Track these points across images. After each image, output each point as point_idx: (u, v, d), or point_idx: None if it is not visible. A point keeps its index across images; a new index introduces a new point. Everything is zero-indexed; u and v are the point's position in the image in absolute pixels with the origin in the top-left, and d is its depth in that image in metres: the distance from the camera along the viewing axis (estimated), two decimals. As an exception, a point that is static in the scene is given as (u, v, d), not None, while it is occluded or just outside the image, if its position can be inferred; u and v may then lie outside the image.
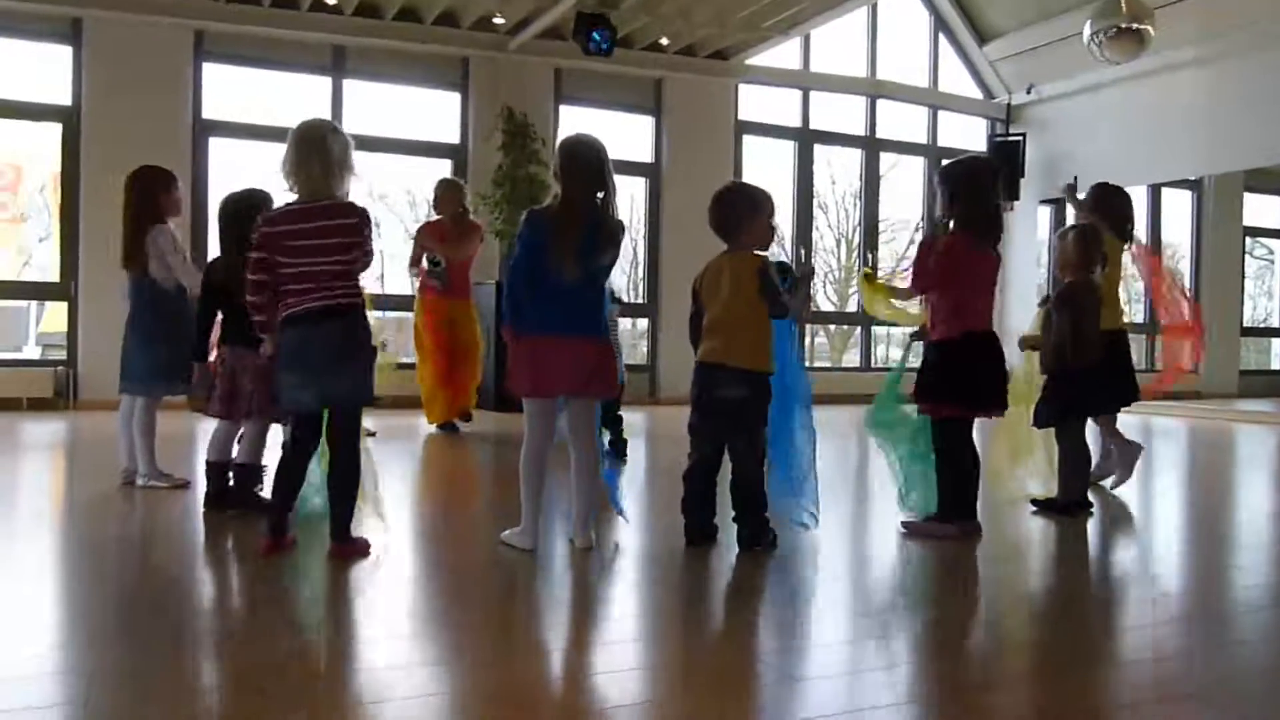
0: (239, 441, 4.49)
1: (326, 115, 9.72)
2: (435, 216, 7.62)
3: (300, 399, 3.57)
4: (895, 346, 13.65)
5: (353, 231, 3.52)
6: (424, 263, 7.27)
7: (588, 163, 3.72)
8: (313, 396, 3.56)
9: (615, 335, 6.28)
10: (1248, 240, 15.13)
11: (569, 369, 3.68)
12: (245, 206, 4.32)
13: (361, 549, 3.64)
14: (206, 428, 4.76)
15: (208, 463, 4.50)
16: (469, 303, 7.67)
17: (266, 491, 4.26)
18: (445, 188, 7.68)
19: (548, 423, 3.78)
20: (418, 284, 7.54)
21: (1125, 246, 5.52)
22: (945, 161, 4.55)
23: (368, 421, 3.88)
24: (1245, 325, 15.12)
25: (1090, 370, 4.80)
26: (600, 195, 3.72)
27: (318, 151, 3.51)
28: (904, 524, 4.30)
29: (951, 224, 4.27)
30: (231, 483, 4.44)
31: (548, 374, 3.69)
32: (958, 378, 4.14)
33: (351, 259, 3.53)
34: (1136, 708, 2.45)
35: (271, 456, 4.30)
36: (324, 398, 3.58)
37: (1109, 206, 5.48)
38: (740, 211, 3.95)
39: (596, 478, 3.85)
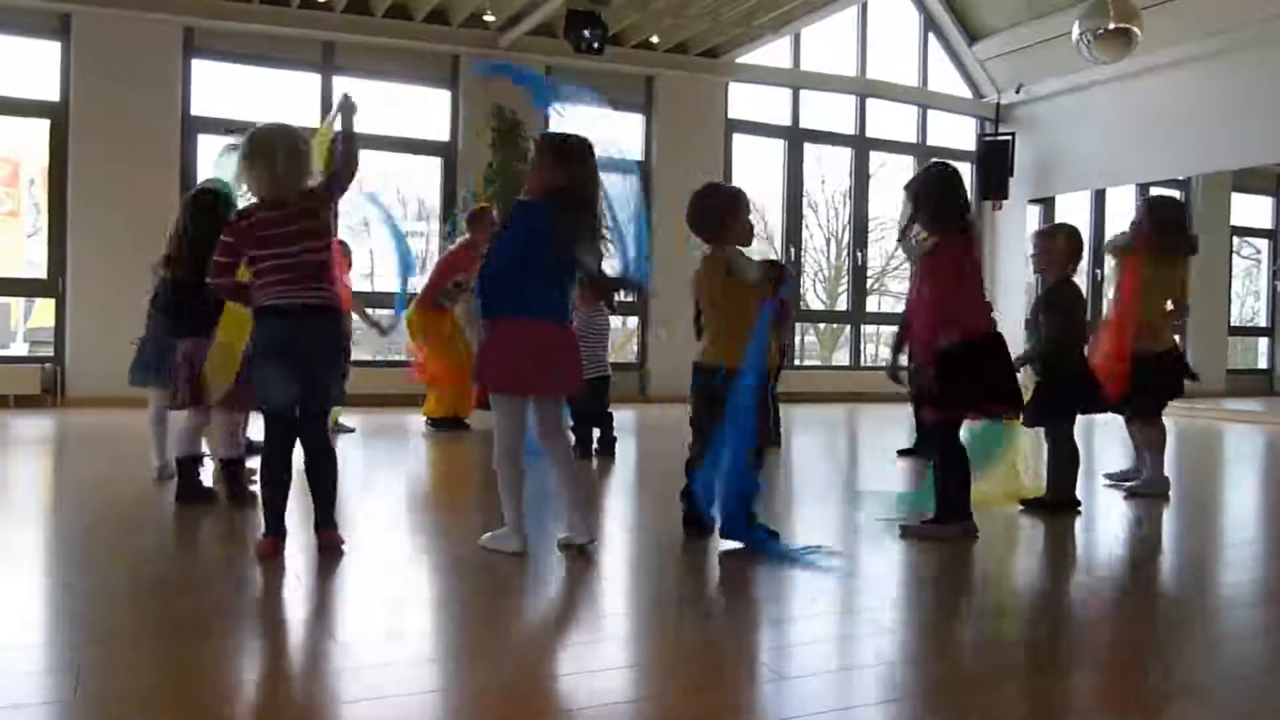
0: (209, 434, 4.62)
1: (316, 112, 9.72)
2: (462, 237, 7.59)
3: (281, 394, 3.55)
4: (885, 346, 13.69)
5: (310, 214, 3.54)
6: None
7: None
8: (293, 393, 3.55)
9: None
10: (1235, 240, 15.19)
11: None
12: (212, 202, 4.47)
13: (338, 540, 3.66)
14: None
15: (178, 458, 4.56)
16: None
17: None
18: (477, 218, 7.54)
19: (518, 420, 3.74)
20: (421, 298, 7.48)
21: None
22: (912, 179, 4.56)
23: (347, 419, 3.89)
24: (1233, 325, 15.18)
25: (1081, 372, 4.84)
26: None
27: (274, 152, 3.52)
28: (901, 527, 4.28)
29: (928, 233, 4.26)
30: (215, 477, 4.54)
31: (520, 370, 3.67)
32: (954, 382, 4.13)
33: (325, 245, 3.56)
34: (1126, 704, 2.46)
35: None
36: (303, 395, 3.58)
37: (1165, 219, 5.46)
38: (722, 212, 3.99)
39: (576, 473, 3.83)
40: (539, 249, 3.62)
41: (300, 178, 3.57)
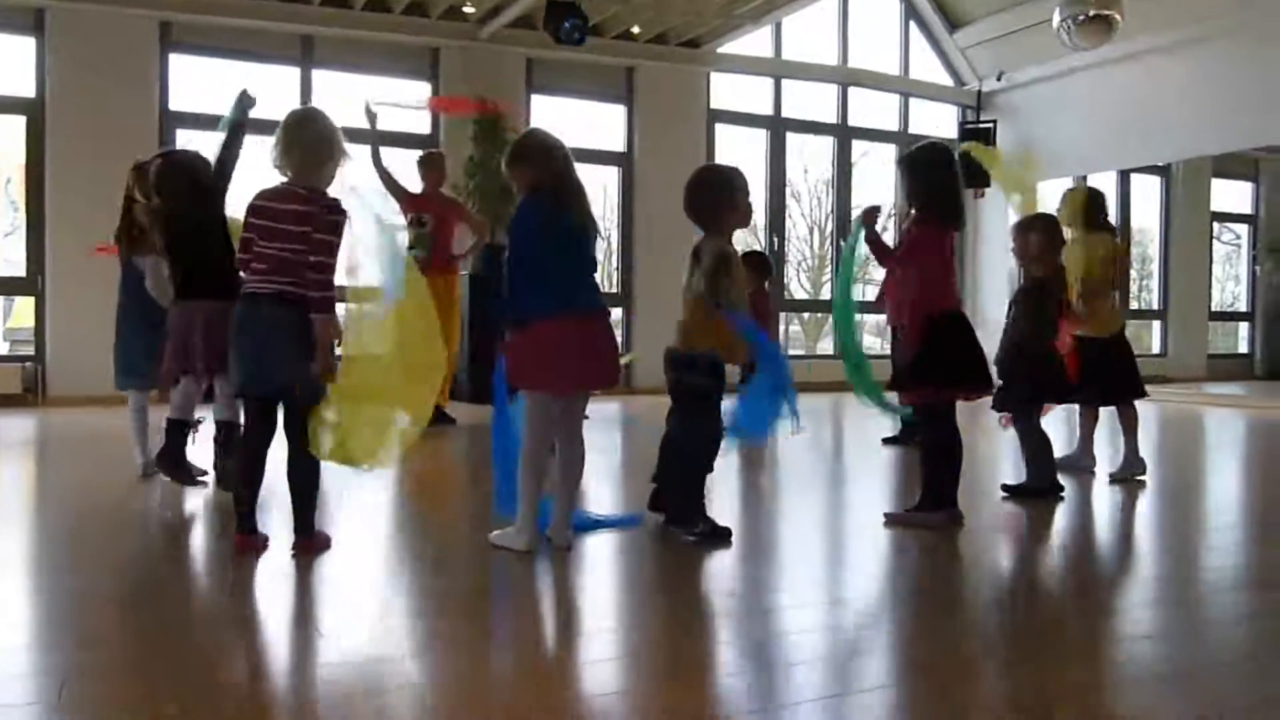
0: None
1: (295, 106, 9.65)
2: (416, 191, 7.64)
3: (236, 379, 3.58)
4: (869, 334, 13.70)
5: (306, 220, 3.45)
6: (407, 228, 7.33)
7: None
8: (245, 378, 3.54)
9: None
10: (1215, 225, 15.29)
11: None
12: (181, 162, 4.49)
13: (323, 543, 3.62)
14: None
15: (169, 420, 4.54)
16: (454, 278, 7.63)
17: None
18: (430, 161, 7.64)
19: (550, 416, 3.67)
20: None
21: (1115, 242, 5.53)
22: (906, 150, 4.58)
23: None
24: (1213, 309, 15.29)
25: (1053, 362, 4.87)
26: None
27: (297, 137, 3.53)
28: (886, 514, 4.30)
29: (914, 210, 4.30)
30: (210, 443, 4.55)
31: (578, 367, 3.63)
32: (933, 358, 4.16)
33: (308, 249, 3.45)
34: (1110, 689, 2.47)
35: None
36: (257, 382, 3.55)
37: (1100, 204, 5.51)
38: (718, 197, 3.94)
39: (580, 478, 3.82)
40: (552, 237, 3.59)
41: (323, 163, 3.54)
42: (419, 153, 8.40)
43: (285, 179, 3.56)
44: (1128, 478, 5.32)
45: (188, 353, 4.38)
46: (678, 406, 4.01)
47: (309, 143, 3.54)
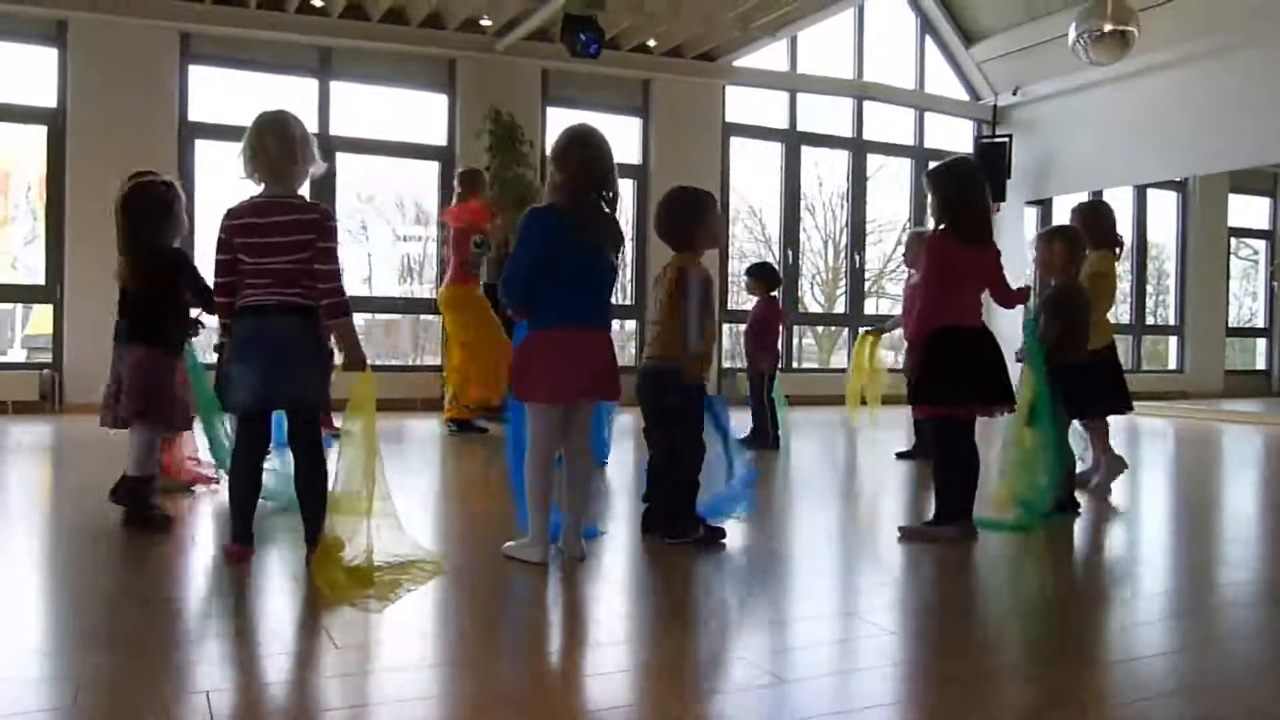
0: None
1: (313, 117, 9.73)
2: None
3: (241, 395, 3.49)
4: (883, 348, 13.66)
5: (310, 228, 3.43)
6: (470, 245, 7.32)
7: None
8: (254, 393, 3.46)
9: None
10: (1233, 241, 15.22)
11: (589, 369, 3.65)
12: (142, 198, 4.41)
13: None
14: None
15: (129, 478, 4.30)
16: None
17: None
18: (472, 178, 7.66)
19: (555, 427, 3.67)
20: (452, 273, 7.47)
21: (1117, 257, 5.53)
22: (932, 164, 4.59)
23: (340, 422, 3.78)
24: (1230, 325, 15.21)
25: (1082, 371, 4.84)
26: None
27: (275, 140, 3.47)
28: (900, 528, 4.29)
29: (939, 225, 4.30)
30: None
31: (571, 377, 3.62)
32: (936, 374, 4.16)
33: (309, 257, 3.42)
34: (1125, 704, 2.45)
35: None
36: (267, 396, 3.49)
37: (1097, 223, 5.50)
38: (689, 218, 4.06)
39: (590, 486, 3.82)
40: (557, 246, 3.59)
41: (294, 164, 3.50)
42: (436, 164, 8.42)
43: (259, 188, 3.50)
44: (1107, 489, 5.31)
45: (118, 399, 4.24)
46: (661, 422, 4.04)
47: (281, 148, 3.47)
